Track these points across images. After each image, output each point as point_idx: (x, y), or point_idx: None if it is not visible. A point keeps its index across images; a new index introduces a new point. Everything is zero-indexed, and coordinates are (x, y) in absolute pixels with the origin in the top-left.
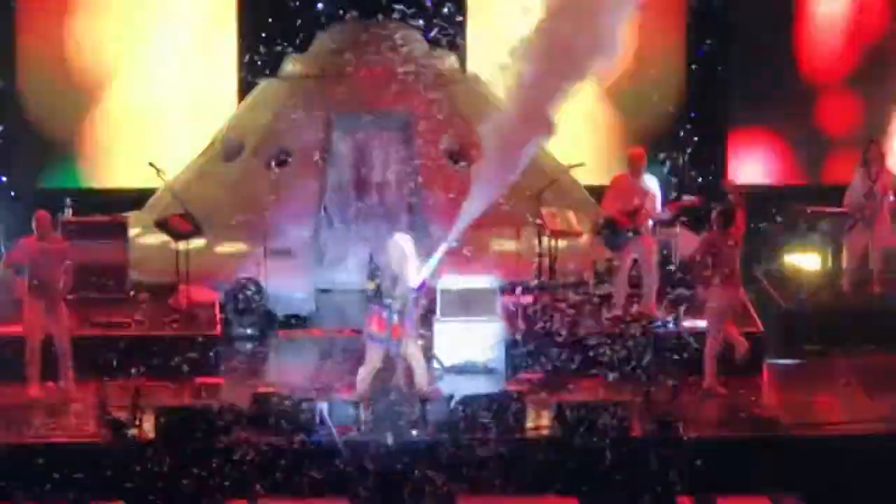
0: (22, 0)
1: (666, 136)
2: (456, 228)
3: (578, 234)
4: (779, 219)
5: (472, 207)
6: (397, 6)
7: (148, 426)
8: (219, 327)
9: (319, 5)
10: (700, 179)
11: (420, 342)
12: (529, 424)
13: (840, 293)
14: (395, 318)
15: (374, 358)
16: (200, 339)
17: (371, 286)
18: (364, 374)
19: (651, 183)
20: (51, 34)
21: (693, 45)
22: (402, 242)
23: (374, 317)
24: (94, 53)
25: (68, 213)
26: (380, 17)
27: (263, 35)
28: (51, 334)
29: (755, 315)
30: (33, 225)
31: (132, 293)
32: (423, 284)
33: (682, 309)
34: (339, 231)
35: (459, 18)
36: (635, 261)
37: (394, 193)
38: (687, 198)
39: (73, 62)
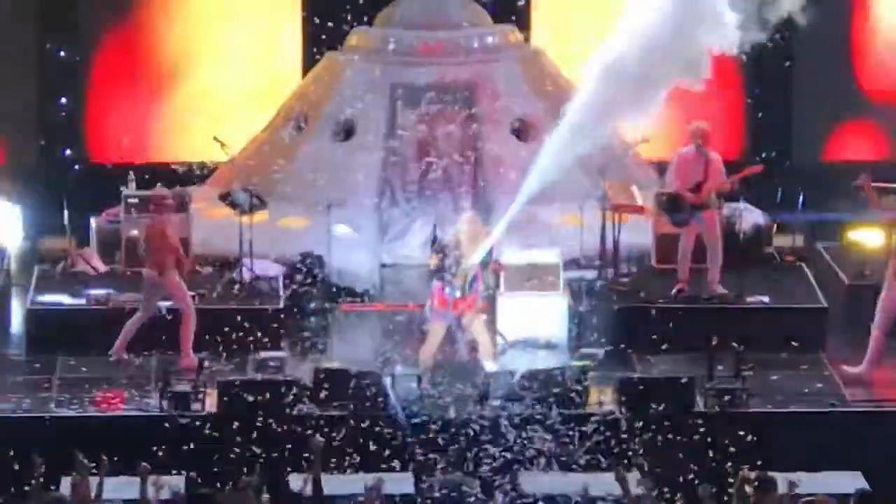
0: None
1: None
2: (518, 203)
3: (641, 210)
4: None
5: (537, 182)
6: None
7: (210, 400)
8: (282, 301)
9: None
10: (764, 155)
11: (484, 317)
12: (592, 400)
13: None
14: (458, 293)
15: (436, 333)
16: (264, 313)
17: (433, 262)
18: (427, 349)
19: (715, 157)
20: (120, 12)
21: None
22: (472, 220)
23: (437, 292)
24: (160, 29)
25: (131, 186)
26: None
27: (328, 8)
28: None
29: (818, 291)
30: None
31: (195, 267)
32: (486, 260)
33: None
34: (402, 205)
35: None
36: (699, 235)
37: (457, 167)
38: (749, 168)
39: (141, 39)
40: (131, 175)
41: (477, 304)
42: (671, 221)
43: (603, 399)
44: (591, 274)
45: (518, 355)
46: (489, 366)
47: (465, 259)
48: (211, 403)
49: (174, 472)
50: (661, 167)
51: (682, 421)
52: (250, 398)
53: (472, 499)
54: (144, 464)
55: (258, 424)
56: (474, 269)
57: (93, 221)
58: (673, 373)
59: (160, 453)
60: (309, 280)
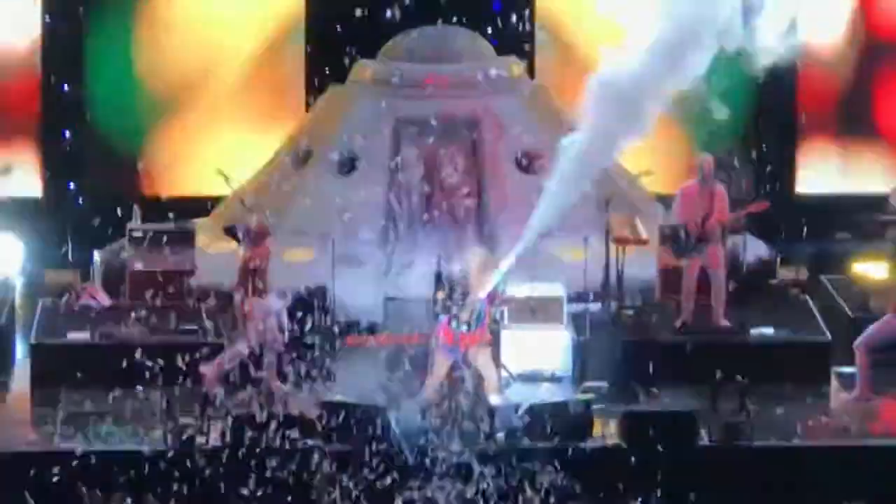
0: (93, 11)
1: (735, 143)
2: (525, 238)
3: (645, 242)
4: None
5: (544, 217)
6: (465, 13)
7: (215, 433)
8: (286, 335)
9: (388, 12)
10: (768, 186)
11: (489, 351)
12: (596, 434)
13: None
14: (464, 328)
15: (441, 367)
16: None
17: (439, 296)
18: (432, 383)
19: (719, 190)
20: (121, 46)
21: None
22: (481, 255)
23: (443, 326)
24: (164, 63)
25: (136, 220)
26: (448, 23)
27: (331, 41)
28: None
29: (822, 324)
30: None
31: (200, 300)
32: (492, 295)
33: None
34: (406, 239)
35: (527, 26)
36: (703, 269)
37: (461, 201)
38: (755, 204)
39: (143, 72)
40: (136, 209)
41: (483, 338)
42: (675, 254)
43: (607, 432)
44: (595, 307)
45: (522, 389)
46: (494, 400)
47: (471, 294)
48: (215, 437)
49: None
50: (666, 200)
51: (687, 454)
52: (255, 432)
53: None
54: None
55: (263, 458)
56: (481, 303)
57: (96, 255)
58: (677, 406)
59: (165, 488)
60: (314, 313)
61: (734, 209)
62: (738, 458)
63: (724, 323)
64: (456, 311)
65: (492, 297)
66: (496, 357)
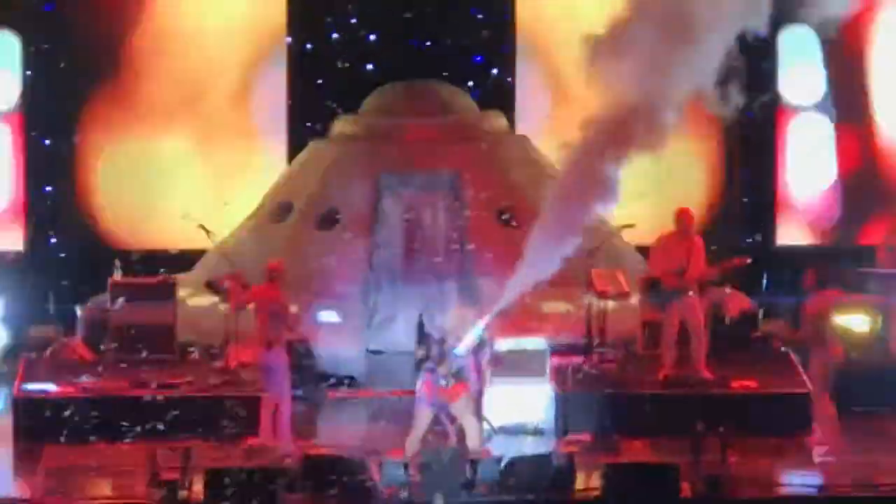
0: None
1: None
2: (507, 296)
3: (627, 295)
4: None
5: (527, 277)
6: (447, 67)
7: (198, 487)
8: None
9: (369, 66)
10: (748, 239)
11: (472, 404)
12: (579, 486)
13: (888, 354)
14: (443, 381)
15: (422, 420)
16: (250, 399)
17: (418, 354)
18: (414, 437)
19: (698, 242)
20: (104, 95)
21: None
22: (458, 313)
23: (425, 381)
24: (145, 115)
25: (117, 274)
26: (429, 77)
27: (313, 95)
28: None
29: (804, 375)
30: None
31: (181, 354)
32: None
33: None
34: (388, 292)
35: (508, 79)
36: (682, 320)
37: (443, 254)
38: (737, 259)
39: (123, 123)
40: (117, 262)
41: (464, 393)
42: (653, 305)
43: (590, 484)
44: (577, 359)
45: (505, 441)
46: (476, 453)
47: (449, 350)
48: (198, 491)
49: None
50: (647, 252)
51: None
52: (238, 486)
53: None
54: None
55: None
56: (462, 360)
57: (78, 309)
58: (659, 458)
59: None
60: (295, 367)
61: (716, 260)
62: None
63: (706, 375)
64: (434, 366)
65: (475, 352)
66: (479, 410)
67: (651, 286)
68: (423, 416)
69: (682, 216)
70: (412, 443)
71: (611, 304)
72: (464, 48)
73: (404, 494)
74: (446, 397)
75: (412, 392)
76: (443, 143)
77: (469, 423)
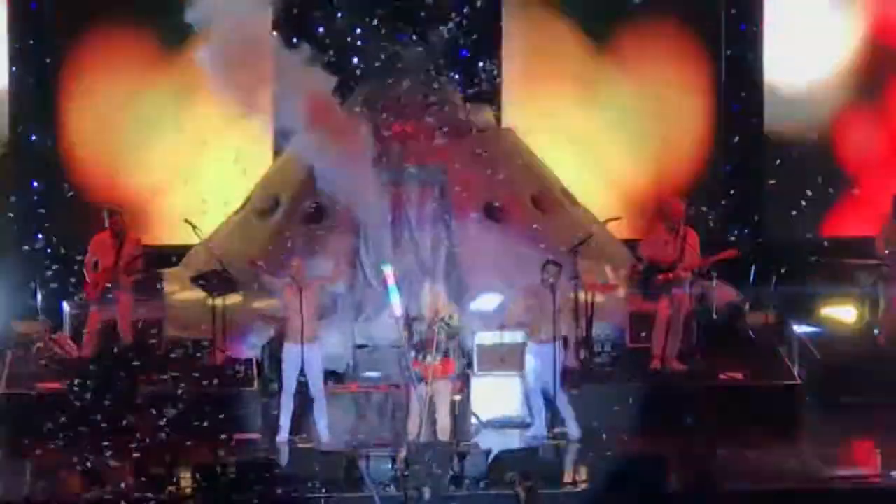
0: (67, 61)
1: (702, 189)
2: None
3: (614, 288)
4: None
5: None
6: (433, 61)
7: (185, 483)
8: (256, 383)
9: (355, 60)
10: (736, 232)
11: (458, 397)
12: (566, 479)
13: (876, 345)
14: (430, 358)
15: (419, 401)
16: (237, 395)
17: (405, 334)
18: (412, 421)
19: (691, 235)
20: (92, 97)
21: (727, 101)
22: (433, 292)
23: (413, 360)
24: (133, 115)
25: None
26: (416, 71)
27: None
28: None
29: (793, 367)
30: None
31: (168, 350)
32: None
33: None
34: (375, 286)
35: (495, 73)
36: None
37: (429, 248)
38: (724, 252)
39: (112, 123)
40: None
41: (451, 370)
42: (643, 293)
43: (578, 478)
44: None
45: (493, 435)
46: (443, 435)
47: (438, 328)
48: (185, 486)
49: None
50: (634, 245)
51: (657, 499)
52: (225, 481)
53: None
54: None
55: None
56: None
57: (65, 306)
58: (647, 451)
59: None
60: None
61: (704, 254)
62: (709, 502)
63: (678, 366)
64: (423, 346)
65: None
66: (466, 403)
67: (640, 278)
68: (420, 397)
69: (673, 209)
70: (412, 425)
71: (598, 296)
72: (450, 42)
73: (391, 488)
74: (432, 373)
75: (398, 387)
76: (429, 137)
77: (442, 403)
